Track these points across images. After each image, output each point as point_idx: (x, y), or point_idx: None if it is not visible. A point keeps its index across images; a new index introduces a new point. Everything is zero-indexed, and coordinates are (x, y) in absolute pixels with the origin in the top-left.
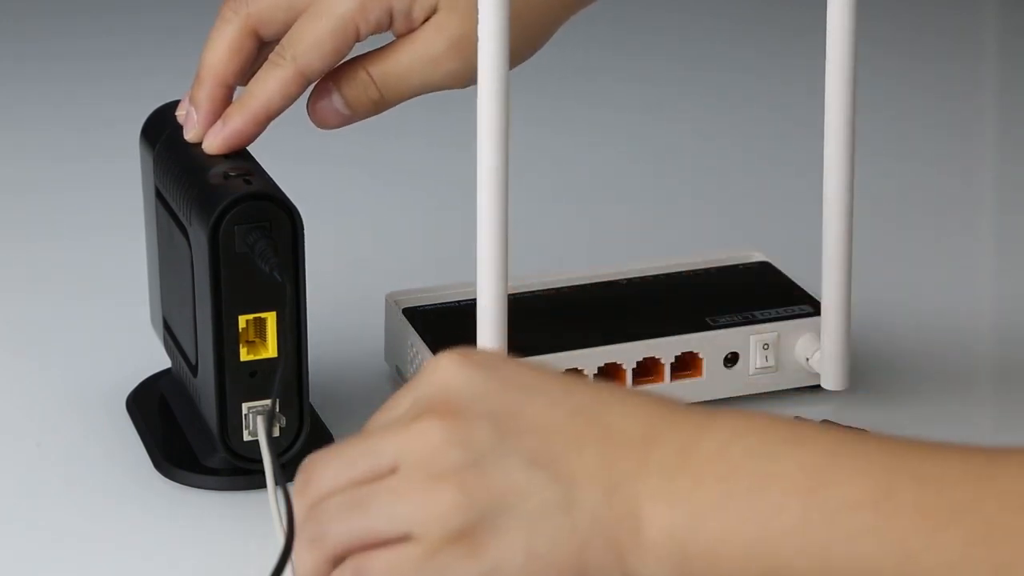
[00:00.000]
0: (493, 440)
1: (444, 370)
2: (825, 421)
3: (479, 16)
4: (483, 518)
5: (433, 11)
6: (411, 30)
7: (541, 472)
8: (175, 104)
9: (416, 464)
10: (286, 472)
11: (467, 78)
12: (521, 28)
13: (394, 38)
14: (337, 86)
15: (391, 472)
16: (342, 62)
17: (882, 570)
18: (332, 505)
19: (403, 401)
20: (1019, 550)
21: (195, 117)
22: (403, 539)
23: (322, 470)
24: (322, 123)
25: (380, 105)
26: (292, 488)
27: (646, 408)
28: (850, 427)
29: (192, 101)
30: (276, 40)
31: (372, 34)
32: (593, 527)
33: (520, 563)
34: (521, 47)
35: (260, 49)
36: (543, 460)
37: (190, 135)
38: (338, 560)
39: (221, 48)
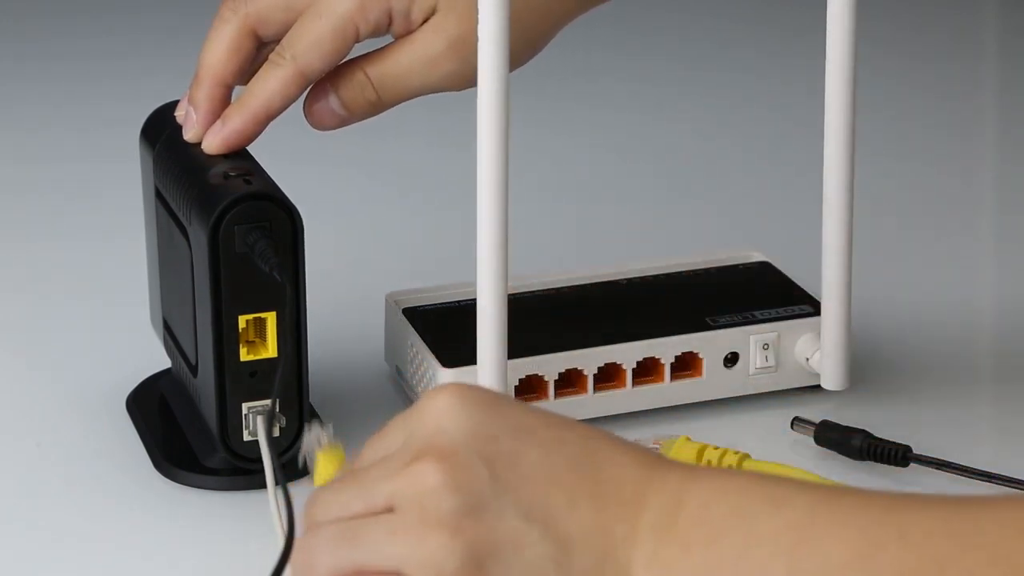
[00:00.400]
0: (490, 488)
1: (441, 410)
2: (825, 421)
3: (479, 16)
4: (477, 565)
5: (432, 12)
6: (410, 31)
7: (537, 527)
8: (175, 104)
9: (411, 507)
10: (286, 472)
11: (466, 80)
12: (521, 31)
13: (393, 40)
14: (334, 87)
15: (385, 511)
16: (340, 63)
17: None
18: (323, 536)
19: (398, 433)
20: None
21: (194, 117)
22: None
23: (324, 502)
24: (319, 124)
25: (377, 106)
26: (292, 488)
27: (635, 461)
28: (826, 482)
29: (191, 101)
30: (274, 40)
31: (371, 35)
32: None
33: None
34: (521, 50)
35: (258, 49)
36: (539, 514)
37: (189, 135)
38: None
39: (220, 48)
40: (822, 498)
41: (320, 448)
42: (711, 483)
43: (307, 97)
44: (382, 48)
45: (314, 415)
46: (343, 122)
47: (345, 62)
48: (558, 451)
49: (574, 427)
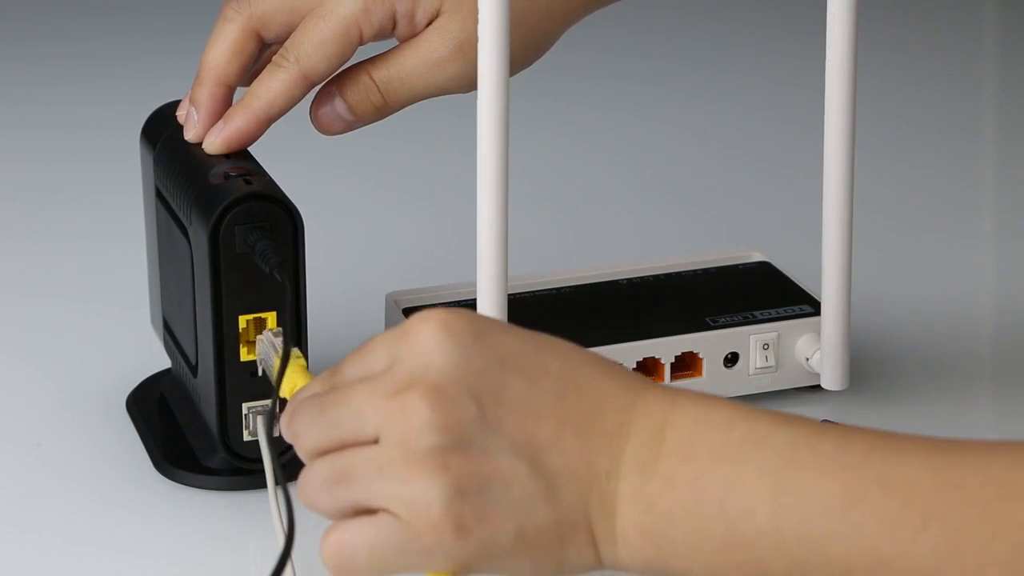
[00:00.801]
0: (477, 425)
1: (428, 341)
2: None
3: (479, 16)
4: (468, 502)
5: (436, 15)
6: (414, 34)
7: (524, 463)
8: (175, 104)
9: (399, 442)
10: (286, 472)
11: (471, 82)
12: (523, 35)
13: (398, 43)
14: (340, 91)
15: (374, 441)
16: (345, 67)
17: (854, 572)
18: (317, 477)
19: (382, 355)
20: (987, 559)
21: (195, 117)
22: (389, 513)
23: (308, 425)
24: (326, 129)
25: (383, 110)
26: (292, 488)
27: (618, 386)
28: (807, 420)
29: (192, 101)
30: (276, 42)
31: (375, 38)
32: (573, 519)
33: (508, 546)
34: (525, 52)
35: (261, 50)
36: (526, 450)
37: (190, 135)
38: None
39: (223, 48)
40: (802, 437)
41: (277, 353)
42: (694, 414)
43: (313, 102)
44: (387, 51)
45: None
46: (350, 127)
47: (350, 66)
48: (542, 382)
49: (558, 352)
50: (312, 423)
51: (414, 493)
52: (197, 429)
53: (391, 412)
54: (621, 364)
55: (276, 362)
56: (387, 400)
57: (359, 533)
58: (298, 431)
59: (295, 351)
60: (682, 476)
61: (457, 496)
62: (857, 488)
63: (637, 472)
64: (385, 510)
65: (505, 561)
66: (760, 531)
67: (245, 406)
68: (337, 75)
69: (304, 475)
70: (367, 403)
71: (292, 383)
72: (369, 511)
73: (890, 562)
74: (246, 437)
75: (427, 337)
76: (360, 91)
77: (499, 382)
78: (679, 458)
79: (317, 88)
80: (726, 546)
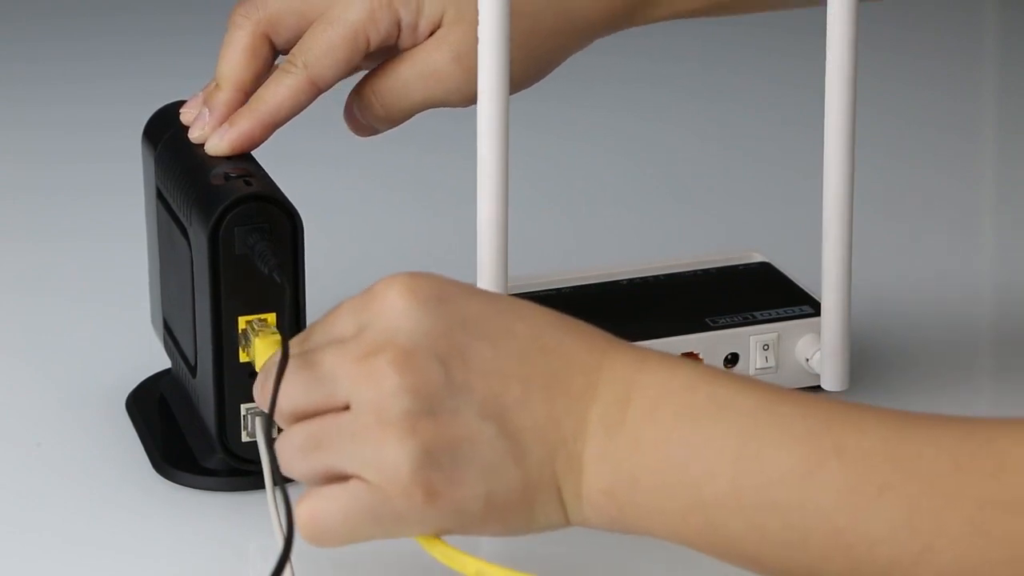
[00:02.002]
0: (445, 388)
1: (394, 306)
2: None
3: (479, 20)
4: (438, 465)
5: (438, 26)
6: (416, 44)
7: (491, 424)
8: (177, 105)
9: (368, 408)
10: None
11: (470, 96)
12: (525, 56)
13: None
14: (355, 102)
15: (345, 407)
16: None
17: (809, 542)
18: (293, 443)
19: (348, 321)
20: (940, 532)
21: (206, 118)
22: (359, 480)
23: (282, 389)
24: (357, 133)
25: (387, 120)
26: (291, 489)
27: (584, 347)
28: (766, 384)
29: (208, 104)
30: (286, 47)
31: (382, 45)
32: (540, 479)
33: (479, 509)
34: (525, 75)
35: (274, 55)
36: (493, 411)
37: (196, 134)
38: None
39: (237, 53)
40: (764, 404)
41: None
42: (659, 377)
43: (344, 109)
44: (385, 62)
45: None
46: (372, 132)
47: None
48: (508, 344)
49: (523, 314)
50: (287, 386)
51: (385, 458)
52: (196, 430)
53: (361, 377)
54: (587, 323)
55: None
56: (356, 364)
57: (332, 499)
58: (265, 396)
59: (271, 327)
60: (647, 438)
61: (427, 460)
62: (815, 457)
63: (603, 433)
64: (357, 476)
65: (477, 523)
66: (721, 495)
67: (244, 407)
68: (356, 85)
69: (281, 440)
70: (338, 367)
71: (264, 357)
72: (343, 477)
73: (845, 530)
74: (245, 438)
75: (393, 301)
76: (363, 102)
77: (465, 344)
78: (644, 420)
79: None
80: (687, 509)
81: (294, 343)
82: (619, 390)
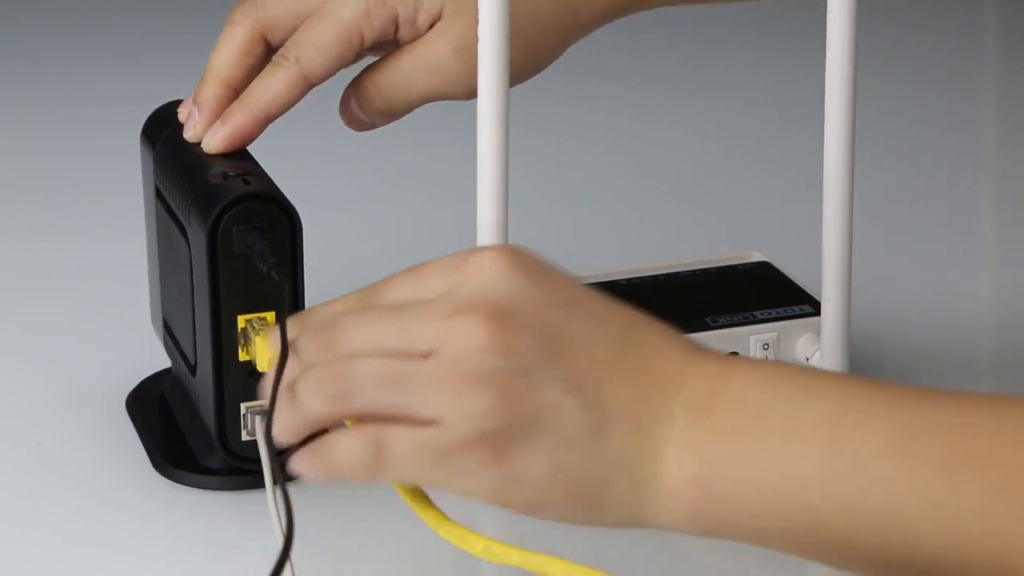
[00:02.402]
0: (536, 356)
1: (492, 271)
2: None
3: (479, 18)
4: (514, 429)
5: (438, 18)
6: (416, 38)
7: (577, 398)
8: (176, 104)
9: (455, 360)
10: (285, 472)
11: (470, 88)
12: (526, 46)
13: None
14: (353, 95)
15: (425, 357)
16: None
17: (906, 516)
18: (367, 371)
19: (437, 280)
20: None
21: (196, 116)
22: (431, 424)
23: (354, 331)
24: (351, 127)
25: (387, 114)
26: (291, 488)
27: (676, 345)
28: (854, 376)
29: (196, 100)
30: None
31: (377, 40)
32: (618, 462)
33: (543, 481)
34: (526, 65)
35: (268, 55)
36: (581, 386)
37: (190, 134)
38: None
39: (229, 50)
40: (854, 390)
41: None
42: (748, 372)
43: (340, 102)
44: (387, 55)
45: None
46: (368, 126)
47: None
48: (603, 327)
49: (618, 307)
50: (358, 331)
51: (462, 408)
52: (196, 429)
53: (449, 331)
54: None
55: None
56: (447, 320)
57: (401, 434)
58: (338, 337)
59: (271, 326)
60: (735, 425)
61: (503, 421)
62: (909, 431)
63: (690, 419)
64: (430, 420)
65: (539, 497)
66: (813, 477)
67: (244, 406)
68: (354, 79)
69: (352, 366)
70: (424, 323)
71: (269, 355)
72: (410, 419)
73: (942, 503)
74: (244, 437)
75: (492, 266)
76: (363, 95)
77: (562, 319)
78: (732, 409)
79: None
80: (776, 494)
81: (361, 294)
82: (707, 383)
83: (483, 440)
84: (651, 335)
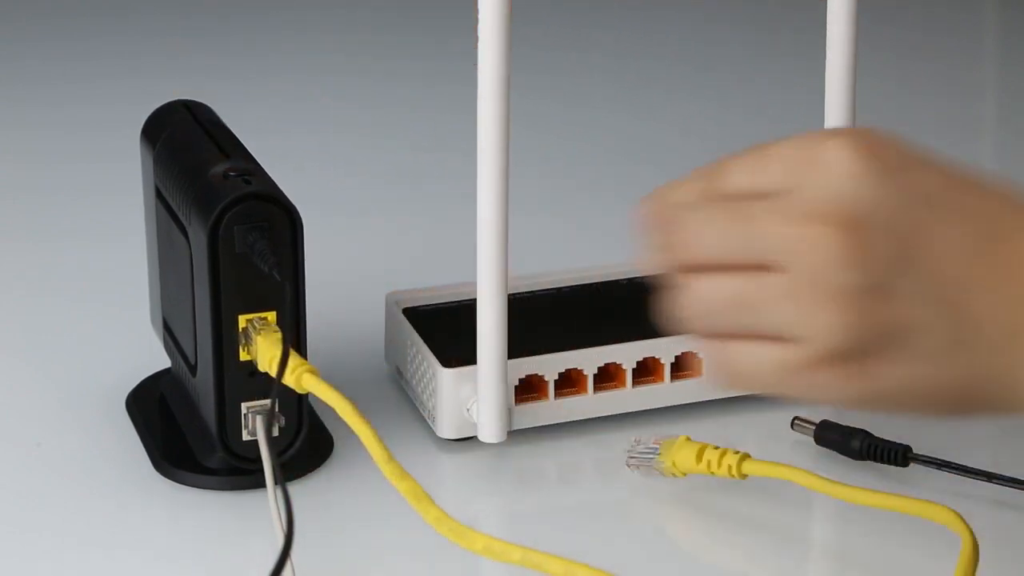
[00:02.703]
0: (895, 267)
1: (842, 170)
2: (824, 421)
3: (479, 17)
4: (874, 344)
5: None
6: None
7: (940, 308)
8: (175, 104)
9: (808, 274)
10: (285, 472)
11: None
12: None
13: None
14: None
15: (771, 269)
16: None
17: None
18: (715, 296)
19: (779, 173)
20: None
21: None
22: (784, 341)
23: (697, 228)
24: None
25: None
26: (291, 488)
27: None
28: None
29: None
30: None
31: None
32: (991, 369)
33: (906, 393)
34: None
35: None
36: (944, 294)
37: None
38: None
39: None
40: None
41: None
42: None
43: None
44: None
45: (314, 415)
46: None
47: None
48: (963, 224)
49: (984, 196)
50: (709, 232)
51: (818, 325)
52: (196, 429)
53: (800, 241)
54: None
55: (275, 367)
56: (796, 227)
57: (751, 352)
58: (689, 239)
59: (272, 326)
60: None
61: (864, 337)
62: None
63: None
64: (785, 337)
65: (902, 404)
66: None
67: (244, 406)
68: None
69: (696, 290)
70: (774, 229)
71: (270, 354)
72: (764, 337)
73: None
74: (245, 437)
75: (845, 164)
76: None
77: (922, 223)
78: None
79: None
80: None
81: (698, 177)
82: None
83: (842, 357)
84: (1013, 222)
